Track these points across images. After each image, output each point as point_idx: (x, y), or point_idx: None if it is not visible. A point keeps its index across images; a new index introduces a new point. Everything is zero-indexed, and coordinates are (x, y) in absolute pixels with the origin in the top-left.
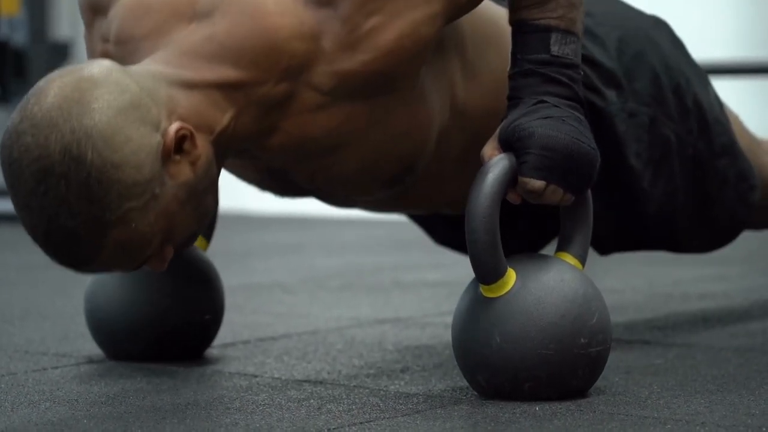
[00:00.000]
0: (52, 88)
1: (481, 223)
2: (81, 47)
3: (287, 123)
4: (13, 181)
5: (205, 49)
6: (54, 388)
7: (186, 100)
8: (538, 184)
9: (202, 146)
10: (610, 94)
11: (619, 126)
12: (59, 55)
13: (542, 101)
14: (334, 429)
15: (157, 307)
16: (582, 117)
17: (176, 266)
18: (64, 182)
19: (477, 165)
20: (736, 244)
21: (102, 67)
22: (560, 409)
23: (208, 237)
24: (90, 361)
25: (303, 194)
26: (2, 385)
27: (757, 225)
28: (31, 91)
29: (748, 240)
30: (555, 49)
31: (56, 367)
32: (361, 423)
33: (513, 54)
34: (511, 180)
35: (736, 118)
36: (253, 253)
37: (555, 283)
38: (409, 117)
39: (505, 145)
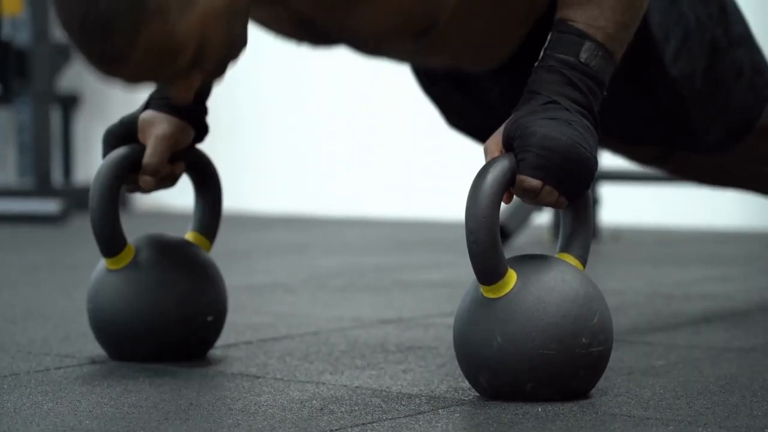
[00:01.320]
0: None
1: (481, 223)
2: None
3: None
4: None
5: None
6: (56, 388)
7: None
8: (534, 183)
9: None
10: None
11: None
12: (62, 55)
13: (555, 101)
14: (336, 430)
15: (160, 308)
16: (590, 126)
17: (180, 267)
18: None
19: (501, 21)
20: (737, 246)
21: None
22: (562, 409)
23: (211, 238)
24: (92, 361)
25: (334, 43)
26: (5, 386)
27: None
28: None
29: (749, 241)
30: (584, 56)
31: (59, 368)
32: (363, 424)
33: (544, 49)
34: (511, 180)
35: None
36: (255, 253)
37: (556, 284)
38: None
39: (508, 141)
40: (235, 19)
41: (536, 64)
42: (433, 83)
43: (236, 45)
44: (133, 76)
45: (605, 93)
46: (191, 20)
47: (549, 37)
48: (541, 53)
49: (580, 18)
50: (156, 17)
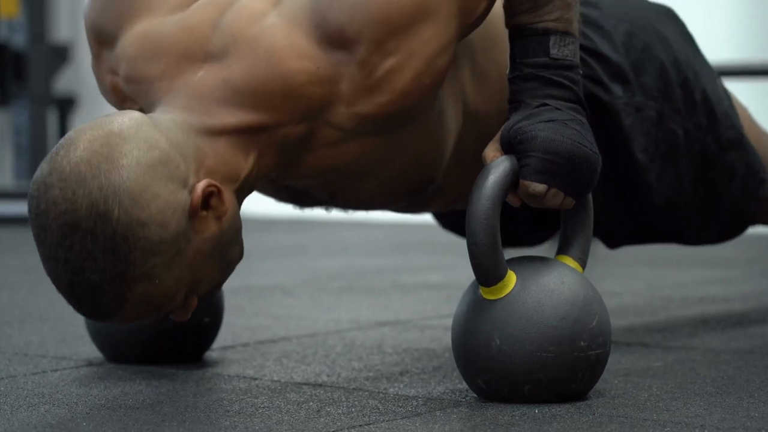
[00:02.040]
0: (81, 141)
1: (482, 225)
2: (80, 49)
3: (309, 156)
4: (39, 232)
5: (223, 94)
6: (53, 390)
7: (212, 150)
8: (539, 187)
9: (228, 199)
10: (616, 88)
11: (625, 120)
12: (59, 57)
13: (544, 104)
14: (333, 431)
15: None
16: (584, 120)
17: None
18: (90, 237)
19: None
20: (735, 248)
21: (132, 120)
22: (560, 411)
23: None
24: (89, 363)
25: (323, 206)
26: (1, 388)
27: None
28: (61, 141)
29: (747, 243)
30: (554, 51)
31: (55, 370)
32: (360, 426)
33: (512, 58)
34: (511, 182)
35: (745, 111)
36: (253, 255)
37: (555, 286)
38: (429, 137)
39: (507, 148)
40: (228, 247)
41: (509, 74)
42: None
43: (231, 265)
44: (126, 322)
45: (582, 72)
46: (179, 271)
47: (511, 45)
48: (510, 63)
49: (536, 18)
50: (142, 280)
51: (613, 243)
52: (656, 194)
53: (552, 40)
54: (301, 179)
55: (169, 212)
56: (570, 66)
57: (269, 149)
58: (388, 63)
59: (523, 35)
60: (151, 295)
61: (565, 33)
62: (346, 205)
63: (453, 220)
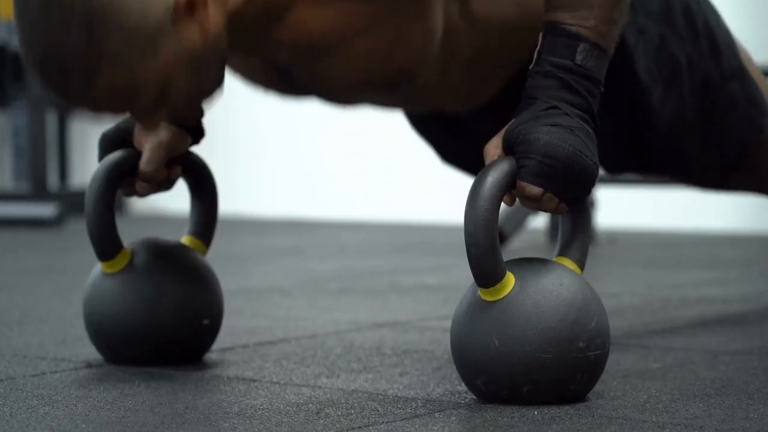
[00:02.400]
0: None
1: (480, 226)
2: None
3: (291, 13)
4: (21, 3)
5: None
6: (52, 392)
7: None
8: (535, 190)
9: (215, 16)
10: None
11: (629, 39)
12: None
13: (555, 107)
14: None
15: (156, 312)
16: (591, 131)
17: (176, 270)
18: (69, 9)
19: (483, 70)
20: (734, 249)
21: None
22: (559, 413)
23: (207, 241)
24: (89, 365)
25: (305, 93)
26: (0, 390)
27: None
28: None
29: (746, 244)
30: (580, 58)
31: (55, 372)
32: (359, 427)
33: (538, 53)
34: (510, 184)
35: (745, 49)
36: (251, 257)
37: (554, 287)
38: (409, 22)
39: (509, 146)
40: (206, 66)
41: (531, 68)
42: (424, 126)
43: (206, 88)
44: (93, 110)
45: (602, 89)
46: (152, 66)
47: (541, 41)
48: (535, 57)
49: (571, 19)
50: (114, 62)
51: (613, 168)
52: (659, 118)
53: (581, 46)
54: (283, 49)
55: (153, 3)
56: (591, 77)
57: None
58: None
59: (555, 33)
60: (120, 83)
61: (596, 45)
62: (325, 93)
63: (453, 147)
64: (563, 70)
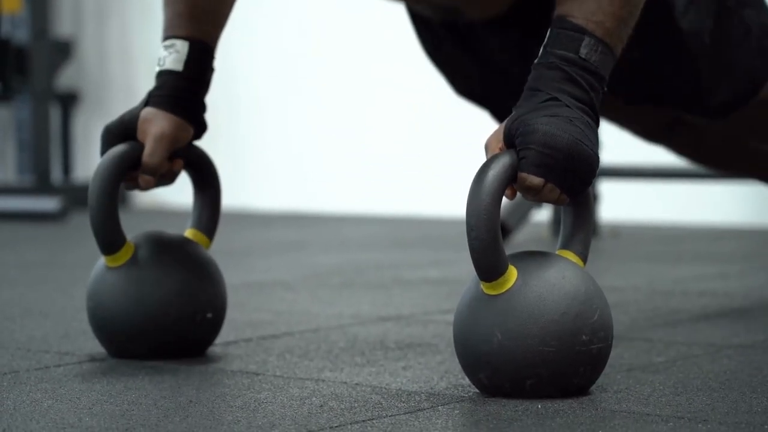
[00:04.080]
0: None
1: (482, 220)
2: (83, 45)
3: None
4: None
5: None
6: (56, 386)
7: None
8: (536, 180)
9: None
10: None
11: None
12: (61, 52)
13: (555, 98)
14: (336, 427)
15: (160, 305)
16: (592, 122)
17: (179, 264)
18: None
19: None
20: (736, 243)
21: None
22: (562, 406)
23: (211, 235)
24: (92, 359)
25: None
26: (4, 384)
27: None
28: None
29: (748, 238)
30: (584, 52)
31: (58, 365)
32: (363, 421)
33: (544, 45)
34: (512, 177)
35: None
36: (254, 250)
37: (556, 281)
38: None
39: (509, 139)
40: None
41: (536, 61)
42: (437, 48)
43: None
44: None
45: (605, 89)
46: None
47: (548, 34)
48: (541, 50)
49: (579, 13)
50: None
51: (629, 98)
52: (679, 31)
53: (586, 40)
54: None
55: None
56: (594, 72)
57: None
58: None
59: (560, 26)
60: None
61: (601, 41)
62: None
63: (469, 80)
64: (566, 62)
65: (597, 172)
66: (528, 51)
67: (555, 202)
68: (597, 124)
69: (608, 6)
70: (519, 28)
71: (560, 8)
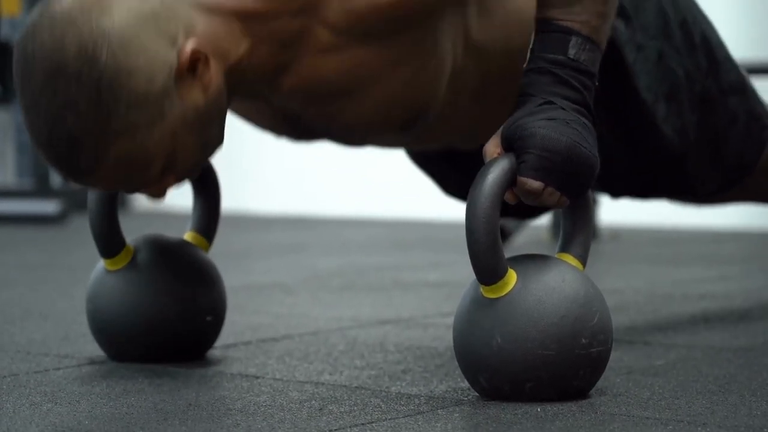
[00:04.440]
0: None
1: (481, 223)
2: None
3: (300, 63)
4: (24, 78)
5: None
6: (55, 389)
7: (205, 24)
8: (536, 184)
9: (216, 73)
10: (619, 23)
11: (629, 56)
12: None
13: (550, 102)
14: (335, 430)
15: (159, 308)
16: (588, 123)
17: (178, 267)
18: (75, 82)
19: (492, 101)
20: (736, 245)
21: None
22: (562, 409)
23: (210, 238)
24: (92, 362)
25: (317, 137)
26: (3, 386)
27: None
28: None
29: (748, 240)
30: (572, 52)
31: (58, 368)
32: (362, 424)
33: (531, 50)
34: (511, 181)
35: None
36: (253, 253)
37: (556, 284)
38: (422, 59)
39: (507, 144)
40: (209, 125)
41: (526, 66)
42: (426, 161)
43: (210, 146)
44: (102, 186)
45: (597, 83)
46: (161, 134)
47: (534, 38)
48: (528, 55)
49: (563, 15)
50: (123, 135)
51: (616, 192)
52: (662, 136)
53: (573, 40)
54: (293, 96)
55: (157, 67)
56: (585, 71)
57: (263, 42)
58: None
59: (546, 30)
60: (130, 156)
61: (589, 39)
62: (338, 136)
63: (456, 180)
64: (557, 66)
65: (596, 173)
66: None
67: (555, 205)
68: (593, 123)
69: (591, 5)
70: None
71: (543, 12)
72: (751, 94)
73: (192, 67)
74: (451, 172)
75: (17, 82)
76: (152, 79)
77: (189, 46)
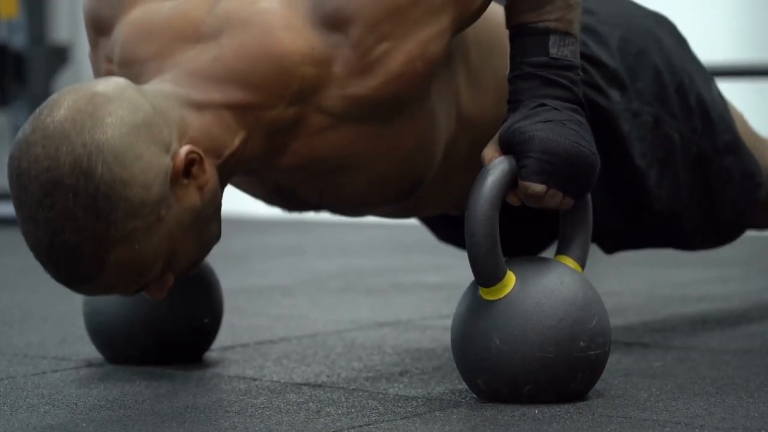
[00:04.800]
0: (65, 101)
1: (481, 226)
2: (80, 50)
3: (296, 144)
4: (20, 193)
5: (213, 71)
6: (53, 391)
7: (197, 122)
8: (538, 188)
9: (211, 172)
10: (614, 93)
11: (624, 126)
12: (58, 58)
13: (542, 104)
14: None
15: (156, 311)
16: (583, 120)
17: None
18: (72, 195)
19: (480, 165)
20: (735, 247)
21: (116, 83)
22: (559, 412)
23: None
24: (89, 364)
25: (312, 209)
26: (1, 389)
27: (762, 224)
28: (44, 102)
29: (747, 242)
30: (554, 51)
31: (55, 371)
32: (360, 426)
33: (512, 57)
34: (510, 183)
35: (740, 116)
36: (252, 255)
37: (554, 286)
38: (418, 135)
39: (506, 148)
40: (206, 223)
41: (509, 74)
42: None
43: (209, 243)
44: (102, 292)
45: (581, 74)
46: (159, 238)
47: (511, 45)
48: (510, 63)
49: (536, 17)
50: (122, 243)
51: (610, 248)
52: (656, 200)
53: (552, 39)
54: (288, 172)
55: (152, 174)
56: (569, 66)
57: (257, 132)
58: (383, 46)
59: (523, 34)
60: (129, 262)
61: (566, 33)
62: (334, 208)
63: (449, 232)
64: (540, 68)
65: (597, 171)
66: (512, 216)
67: (558, 206)
68: (586, 117)
69: (560, 1)
70: (507, 204)
71: (515, 19)
72: (745, 152)
73: (187, 169)
74: (444, 225)
75: (13, 194)
76: (148, 187)
77: (183, 150)
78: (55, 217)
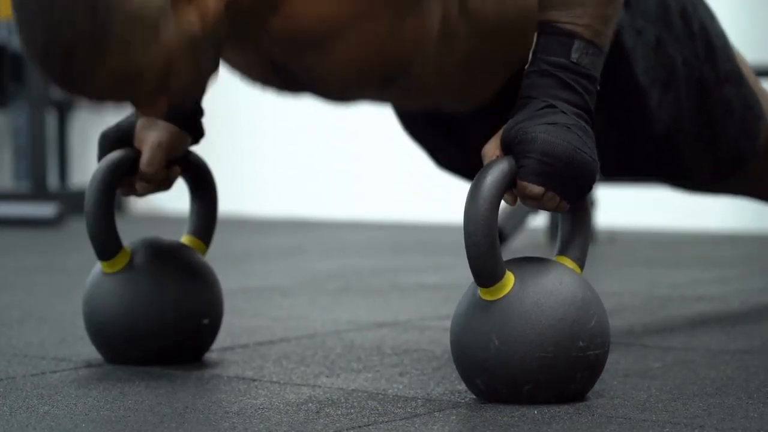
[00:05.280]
0: None
1: (480, 226)
2: None
3: (284, 6)
4: None
5: None
6: (52, 392)
7: None
8: (536, 189)
9: (212, 1)
10: None
11: (627, 41)
12: None
13: (551, 105)
14: None
15: (156, 311)
16: (588, 128)
17: (175, 270)
18: None
19: (482, 70)
20: (734, 247)
21: None
22: (559, 412)
23: (207, 241)
24: (88, 365)
25: (302, 90)
26: (0, 389)
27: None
28: None
29: (745, 243)
30: (575, 56)
31: (55, 371)
32: (359, 426)
33: (533, 53)
34: (509, 183)
35: (743, 58)
36: (251, 256)
37: (553, 287)
38: (403, 18)
39: (507, 146)
40: (204, 51)
41: (527, 68)
42: (419, 129)
43: (205, 73)
44: (95, 97)
45: (599, 87)
46: (154, 51)
47: (536, 40)
48: (531, 57)
49: (565, 18)
50: (118, 47)
51: (608, 171)
52: (656, 120)
53: (576, 44)
54: (279, 43)
55: None
56: (587, 75)
57: None
58: None
59: (549, 32)
60: (122, 71)
61: (591, 43)
62: (320, 90)
63: (454, 158)
64: (559, 69)
65: (596, 178)
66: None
67: (555, 209)
68: (593, 127)
69: (592, 8)
70: (503, 114)
71: (545, 14)
72: (746, 84)
73: None
74: (446, 143)
75: None
76: None
77: None
78: (52, 13)
